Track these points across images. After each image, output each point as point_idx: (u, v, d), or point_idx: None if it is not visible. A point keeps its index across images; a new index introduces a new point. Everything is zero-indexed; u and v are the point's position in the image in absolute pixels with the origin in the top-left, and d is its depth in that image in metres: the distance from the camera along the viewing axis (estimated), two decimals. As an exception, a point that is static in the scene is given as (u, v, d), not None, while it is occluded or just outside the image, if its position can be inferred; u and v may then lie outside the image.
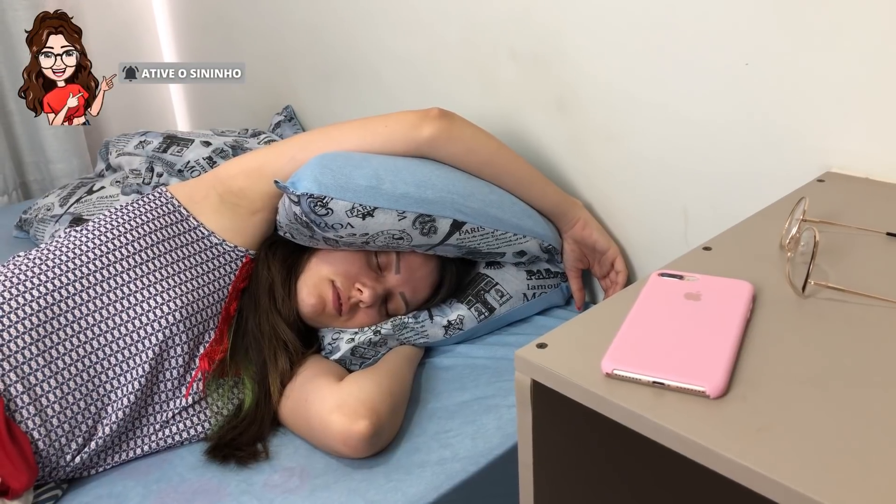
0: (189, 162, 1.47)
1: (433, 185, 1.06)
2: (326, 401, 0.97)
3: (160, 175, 1.50)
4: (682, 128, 1.09)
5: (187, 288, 1.03)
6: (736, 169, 1.05)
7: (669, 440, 0.54)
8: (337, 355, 1.10)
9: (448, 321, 1.16)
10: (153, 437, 1.02)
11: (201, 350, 1.04)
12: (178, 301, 1.02)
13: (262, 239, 1.13)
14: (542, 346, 0.63)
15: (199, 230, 1.08)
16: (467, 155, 1.11)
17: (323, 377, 1.02)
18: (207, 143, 1.50)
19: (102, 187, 1.58)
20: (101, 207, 1.51)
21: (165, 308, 1.01)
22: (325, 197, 1.00)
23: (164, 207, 1.08)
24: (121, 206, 1.08)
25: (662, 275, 0.71)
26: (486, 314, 1.19)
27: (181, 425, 1.03)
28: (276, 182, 1.02)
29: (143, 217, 1.06)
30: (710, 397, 0.55)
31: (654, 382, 0.57)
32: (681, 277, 0.70)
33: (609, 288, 1.23)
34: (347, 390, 0.98)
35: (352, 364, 1.12)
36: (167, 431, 1.02)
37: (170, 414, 1.02)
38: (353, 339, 1.11)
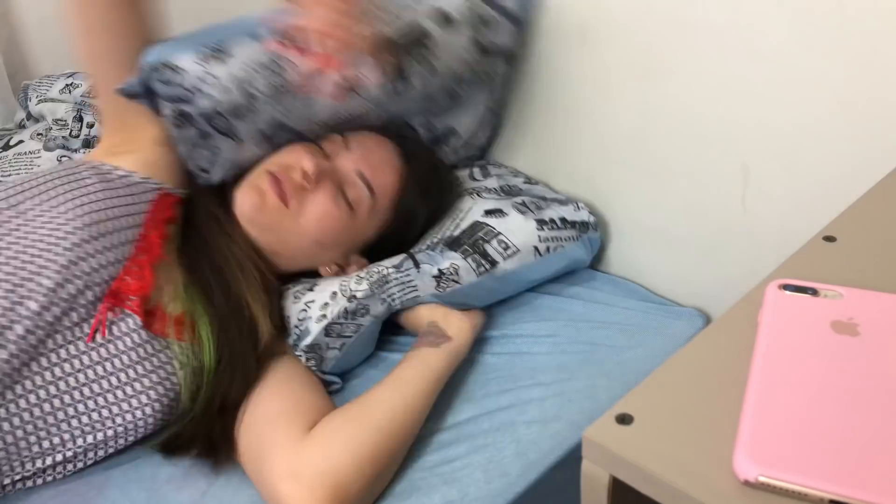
0: (126, 109, 1.24)
1: None
2: (280, 463, 0.75)
3: (91, 126, 1.29)
4: (745, 60, 0.87)
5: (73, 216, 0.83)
6: (818, 116, 0.83)
7: None
8: (308, 339, 0.89)
9: (439, 269, 0.94)
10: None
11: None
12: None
13: (182, 178, 0.96)
14: (624, 419, 0.40)
15: (106, 170, 0.90)
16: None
17: (285, 420, 0.79)
18: (147, 86, 1.26)
19: (21, 141, 1.36)
20: (18, 167, 1.29)
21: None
22: (166, 59, 0.87)
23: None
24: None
25: (786, 287, 0.47)
26: (487, 267, 0.97)
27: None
28: (117, 89, 0.87)
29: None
30: (937, 534, 0.33)
31: (833, 502, 0.34)
32: (815, 292, 0.47)
33: None
34: (308, 456, 0.75)
35: (330, 349, 0.90)
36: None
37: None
38: (324, 316, 0.89)
